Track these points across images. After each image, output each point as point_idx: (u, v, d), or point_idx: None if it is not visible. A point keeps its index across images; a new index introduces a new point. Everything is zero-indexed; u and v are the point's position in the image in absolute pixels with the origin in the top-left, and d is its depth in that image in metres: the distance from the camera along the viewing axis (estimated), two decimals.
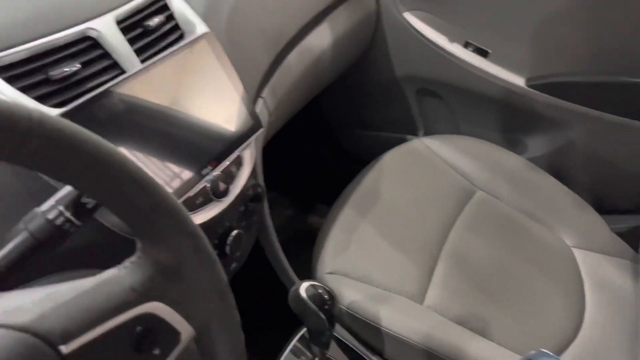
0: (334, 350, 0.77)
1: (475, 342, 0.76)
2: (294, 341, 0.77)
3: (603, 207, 1.07)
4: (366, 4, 1.11)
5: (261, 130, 0.70)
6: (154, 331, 0.33)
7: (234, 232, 0.67)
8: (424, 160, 1.08)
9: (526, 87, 1.07)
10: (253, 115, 0.70)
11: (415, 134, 1.28)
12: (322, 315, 0.64)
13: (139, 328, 0.32)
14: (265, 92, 0.81)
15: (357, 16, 1.08)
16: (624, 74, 0.99)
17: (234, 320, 0.39)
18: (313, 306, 0.64)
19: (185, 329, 0.35)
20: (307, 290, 0.65)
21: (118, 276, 0.33)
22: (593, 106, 1.04)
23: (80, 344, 0.29)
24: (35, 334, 0.27)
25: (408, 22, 1.13)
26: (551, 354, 0.69)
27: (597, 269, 0.97)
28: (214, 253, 0.37)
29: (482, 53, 1.10)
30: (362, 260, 0.87)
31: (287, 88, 0.88)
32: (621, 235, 1.03)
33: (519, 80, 1.08)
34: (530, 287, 0.90)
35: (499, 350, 0.77)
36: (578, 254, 0.98)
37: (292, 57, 0.91)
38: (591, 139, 1.07)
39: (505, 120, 1.15)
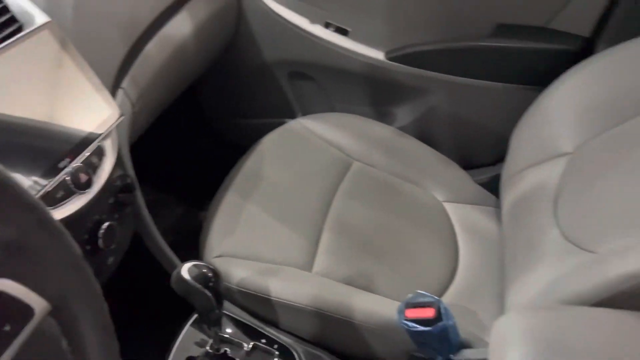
0: (230, 328, 0.78)
1: (361, 297, 0.81)
2: (187, 326, 0.76)
3: (467, 163, 1.18)
4: None
5: (121, 118, 0.69)
6: (2, 308, 0.32)
7: (105, 225, 0.65)
8: (301, 139, 1.11)
9: (386, 60, 1.14)
10: (110, 104, 0.68)
11: (293, 117, 1.31)
12: (208, 293, 0.65)
13: None
14: (125, 83, 0.80)
15: (217, 4, 1.08)
16: (471, 39, 1.09)
17: (93, 291, 0.39)
18: (197, 285, 0.64)
19: (38, 304, 0.34)
20: (189, 270, 0.65)
21: None
22: (448, 72, 1.13)
23: None
24: None
25: (269, 7, 1.16)
26: (426, 293, 0.75)
27: (466, 217, 1.06)
28: (60, 225, 0.36)
29: (343, 32, 1.16)
30: (248, 240, 0.88)
31: (150, 78, 0.87)
32: (484, 185, 1.14)
33: (379, 55, 1.15)
34: (408, 241, 0.97)
35: (383, 300, 0.82)
36: (448, 207, 1.07)
37: (152, 47, 0.90)
38: (449, 102, 1.16)
39: (372, 94, 1.22)
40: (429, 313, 0.72)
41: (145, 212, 0.83)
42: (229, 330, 0.77)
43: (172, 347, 0.75)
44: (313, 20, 1.16)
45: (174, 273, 0.65)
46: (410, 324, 0.71)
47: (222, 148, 1.30)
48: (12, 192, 0.33)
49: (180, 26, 0.97)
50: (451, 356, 0.78)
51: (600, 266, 0.62)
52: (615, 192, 0.78)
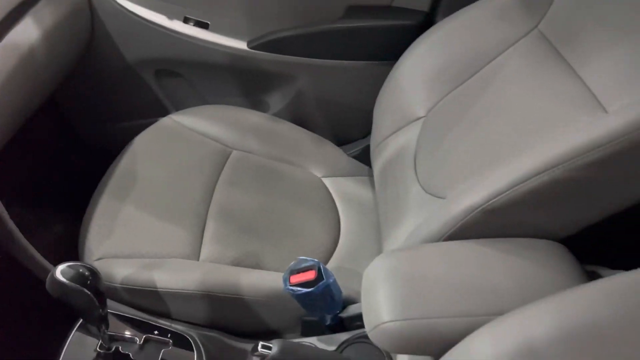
0: (118, 326, 0.77)
1: (249, 274, 0.84)
2: (73, 331, 0.75)
3: (339, 140, 1.25)
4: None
5: None
6: None
7: None
8: (175, 135, 1.12)
9: (249, 50, 1.17)
10: None
11: (166, 115, 1.30)
12: (87, 292, 0.64)
13: None
14: None
15: (65, 8, 1.05)
16: (325, 22, 1.16)
17: None
18: (75, 285, 0.63)
19: None
20: (63, 272, 0.64)
21: None
22: (308, 55, 1.18)
23: None
24: None
25: (123, 7, 1.14)
26: (307, 258, 0.80)
27: (344, 189, 1.13)
28: None
29: (203, 25, 1.17)
30: (128, 239, 0.87)
31: None
32: (357, 157, 1.22)
33: (242, 45, 1.18)
34: (291, 218, 1.01)
35: (270, 274, 0.86)
36: (327, 181, 1.13)
37: None
38: (314, 85, 1.22)
39: (241, 84, 1.25)
40: (310, 275, 0.77)
41: (4, 215, 0.78)
42: (118, 329, 0.77)
43: (60, 355, 0.73)
44: (171, 17, 1.16)
45: (48, 277, 0.64)
46: (295, 288, 0.76)
47: (93, 156, 1.26)
48: None
49: (26, 34, 0.93)
50: (339, 314, 0.84)
51: (446, 206, 0.71)
52: (459, 144, 0.88)
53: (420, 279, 0.60)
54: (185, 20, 1.17)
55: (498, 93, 0.90)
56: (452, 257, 0.64)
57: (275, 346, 0.61)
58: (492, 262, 0.62)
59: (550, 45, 0.88)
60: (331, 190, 1.12)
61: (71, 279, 0.64)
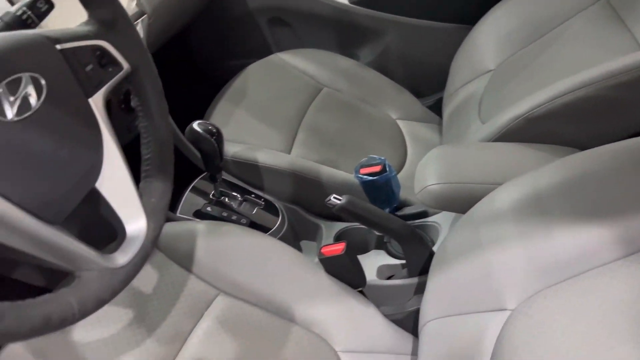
0: (227, 188, 1.00)
1: (328, 168, 1.04)
2: (194, 183, 0.98)
3: (417, 91, 1.42)
4: None
5: (144, 17, 0.90)
6: (107, 55, 0.54)
7: None
8: (280, 69, 1.34)
9: (350, 4, 1.38)
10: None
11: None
12: (212, 140, 0.87)
13: (97, 52, 0.53)
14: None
15: None
16: None
17: (154, 70, 0.61)
18: (205, 134, 0.86)
19: (125, 63, 0.56)
20: (199, 124, 0.87)
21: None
22: (400, 14, 1.37)
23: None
24: None
25: None
26: (376, 156, 0.99)
27: (415, 131, 1.30)
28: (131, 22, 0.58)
29: None
30: (238, 130, 1.10)
31: (161, 4, 1.08)
32: (430, 107, 1.39)
33: (344, 0, 1.39)
34: (365, 142, 1.20)
35: (344, 174, 1.05)
36: (400, 123, 1.31)
37: None
38: (401, 40, 1.41)
39: (339, 34, 1.46)
40: (376, 169, 0.95)
41: None
42: (225, 188, 0.99)
43: (180, 200, 0.97)
44: None
45: (188, 127, 0.87)
46: (362, 176, 0.95)
47: (209, 85, 1.51)
48: None
49: None
50: (395, 209, 1.02)
51: (493, 121, 0.87)
52: (518, 87, 1.03)
53: (460, 157, 0.78)
54: None
55: (559, 49, 1.04)
56: (490, 148, 0.80)
57: (344, 198, 0.81)
58: (522, 152, 0.78)
59: (615, 12, 1.01)
60: (403, 131, 1.30)
61: (204, 130, 0.87)
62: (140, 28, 0.90)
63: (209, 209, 0.97)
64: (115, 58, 0.55)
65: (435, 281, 0.73)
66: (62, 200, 0.48)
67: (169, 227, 0.82)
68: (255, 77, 1.30)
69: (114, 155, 0.54)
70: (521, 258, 0.63)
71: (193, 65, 1.64)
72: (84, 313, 0.46)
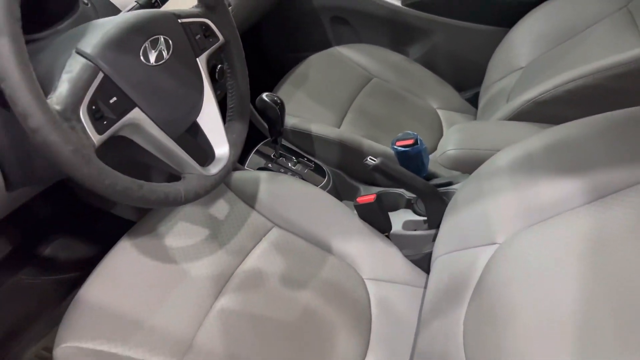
0: (284, 154, 1.22)
1: (369, 141, 1.23)
2: (258, 146, 1.21)
3: (458, 85, 1.59)
4: None
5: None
6: (209, 29, 0.76)
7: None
8: (336, 60, 1.55)
9: (402, 6, 1.57)
10: None
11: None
12: (276, 108, 1.08)
13: (203, 26, 0.75)
14: None
15: None
16: None
17: (240, 43, 0.83)
18: (271, 103, 1.08)
19: (220, 37, 0.78)
20: (266, 96, 1.09)
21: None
22: (448, 16, 1.55)
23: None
24: None
25: None
26: (410, 132, 1.17)
27: (452, 119, 1.47)
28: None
29: None
30: (299, 108, 1.32)
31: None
32: (469, 100, 1.55)
33: (397, 2, 1.58)
34: (406, 124, 1.39)
35: (382, 146, 1.24)
36: (440, 112, 1.48)
37: None
38: (447, 40, 1.58)
39: (391, 33, 1.65)
40: (410, 141, 1.13)
41: None
42: (285, 155, 1.21)
43: (247, 158, 1.20)
44: None
45: (258, 98, 1.09)
46: (397, 147, 1.13)
47: (275, 74, 1.74)
48: None
49: None
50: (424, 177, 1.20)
51: (510, 103, 1.04)
52: (541, 80, 1.18)
53: (475, 130, 0.95)
54: None
55: (581, 51, 1.19)
56: (502, 124, 0.97)
57: (378, 159, 1.00)
58: (526, 128, 0.95)
59: (632, 20, 1.15)
60: (441, 118, 1.47)
61: (270, 100, 1.08)
62: None
63: (269, 165, 1.19)
64: (215, 32, 0.78)
65: (445, 225, 0.91)
66: (178, 122, 0.70)
67: (238, 174, 1.04)
68: (315, 65, 1.51)
69: (210, 100, 0.76)
70: (511, 203, 0.80)
71: (262, 56, 1.87)
72: (187, 199, 0.68)
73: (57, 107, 0.55)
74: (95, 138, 0.58)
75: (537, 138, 0.82)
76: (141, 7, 0.79)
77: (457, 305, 0.77)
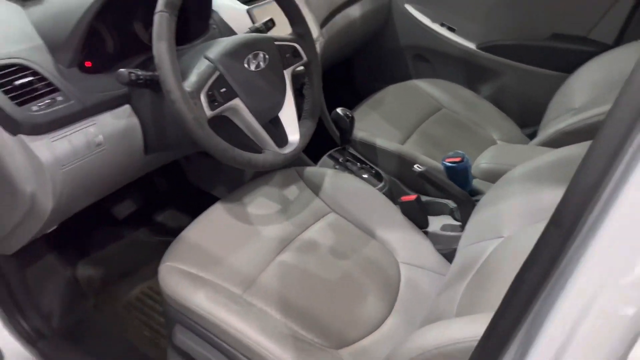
0: (350, 160, 1.47)
1: (424, 157, 1.45)
2: (330, 151, 1.47)
3: (521, 121, 1.76)
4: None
5: (321, 39, 1.42)
6: (297, 51, 1.05)
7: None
8: (411, 90, 1.79)
9: (477, 49, 1.78)
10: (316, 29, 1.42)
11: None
12: (347, 120, 1.34)
13: (292, 49, 1.04)
14: (323, 30, 1.55)
15: (376, 4, 1.82)
16: (533, 40, 1.69)
17: (319, 65, 1.11)
18: (343, 116, 1.35)
19: (305, 57, 1.07)
20: (341, 110, 1.36)
21: None
22: (517, 60, 1.73)
23: None
24: None
25: (407, 11, 1.87)
26: (459, 151, 1.37)
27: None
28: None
29: (451, 29, 1.82)
30: (369, 125, 1.57)
31: (333, 34, 1.61)
32: (529, 136, 1.71)
33: (472, 46, 1.79)
34: (464, 148, 1.58)
35: (435, 162, 1.45)
36: (499, 143, 1.66)
37: (337, 18, 1.65)
38: (515, 81, 1.76)
39: (466, 72, 1.86)
40: (457, 159, 1.34)
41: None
42: (352, 163, 1.47)
43: (319, 160, 1.46)
44: (433, 21, 1.84)
45: (333, 111, 1.36)
46: (446, 163, 1.34)
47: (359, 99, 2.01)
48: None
49: (353, 12, 1.72)
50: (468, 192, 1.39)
51: (544, 131, 1.21)
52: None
53: (507, 150, 1.14)
54: (441, 24, 1.83)
55: None
56: (532, 148, 1.15)
57: (424, 167, 1.21)
58: (548, 151, 1.12)
59: None
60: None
61: (343, 114, 1.35)
62: (317, 45, 1.43)
63: (336, 167, 1.45)
64: (301, 53, 1.06)
65: (469, 223, 1.10)
66: (265, 113, 0.98)
67: (310, 169, 1.31)
68: (392, 93, 1.76)
69: (290, 101, 1.04)
70: (519, 205, 0.98)
71: (352, 84, 2.16)
72: (263, 167, 0.96)
73: (188, 89, 0.86)
74: (208, 112, 0.88)
75: (546, 156, 1.00)
76: (252, 32, 1.09)
77: (461, 282, 0.96)
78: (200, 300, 0.95)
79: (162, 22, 0.81)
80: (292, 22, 1.07)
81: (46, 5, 0.98)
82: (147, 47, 0.94)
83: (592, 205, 0.40)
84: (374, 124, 1.59)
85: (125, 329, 1.35)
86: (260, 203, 1.20)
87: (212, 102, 0.89)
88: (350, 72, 2.14)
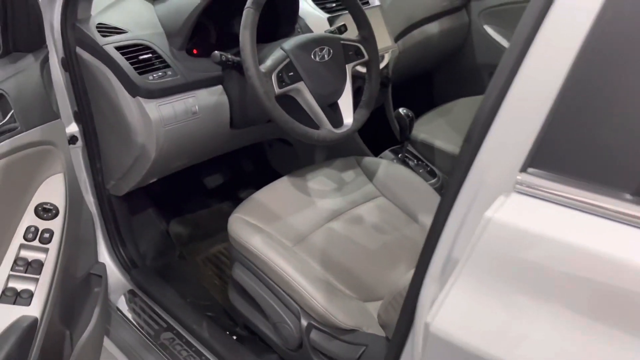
0: (408, 156, 1.63)
1: None
2: (390, 148, 1.64)
3: None
4: (462, 17, 2.01)
5: (394, 49, 1.61)
6: (359, 50, 1.25)
7: None
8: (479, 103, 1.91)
9: None
10: (391, 41, 1.61)
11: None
12: (407, 119, 1.51)
13: (357, 47, 1.25)
14: (399, 43, 1.73)
15: (455, 23, 1.98)
16: None
17: (378, 62, 1.30)
18: (403, 115, 1.52)
19: (366, 56, 1.27)
20: (401, 109, 1.53)
21: None
22: None
23: None
24: None
25: (486, 31, 2.00)
26: None
27: None
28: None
29: None
30: (433, 129, 1.72)
31: (409, 47, 1.79)
32: None
33: None
34: None
35: None
36: None
37: (415, 33, 1.83)
38: None
39: None
40: None
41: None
42: (411, 160, 1.63)
43: (380, 154, 1.64)
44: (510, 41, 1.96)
45: (396, 111, 1.54)
46: None
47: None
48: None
49: (432, 29, 1.90)
50: None
51: None
52: None
53: None
54: None
55: None
56: None
57: None
58: None
59: None
60: None
61: (404, 113, 1.52)
62: (387, 55, 1.62)
63: (395, 160, 1.62)
64: (363, 52, 1.26)
65: None
66: (325, 97, 1.20)
67: (368, 159, 1.49)
68: (460, 104, 1.90)
69: (348, 91, 1.24)
70: None
71: (431, 96, 2.32)
72: (317, 141, 1.17)
73: (263, 70, 1.09)
74: (277, 90, 1.11)
75: None
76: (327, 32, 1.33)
77: None
78: (256, 242, 1.17)
79: (247, 16, 1.06)
80: (359, 27, 1.28)
81: (169, 3, 1.28)
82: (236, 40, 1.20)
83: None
84: (437, 127, 1.73)
85: (202, 277, 1.61)
86: (320, 181, 1.41)
87: (281, 82, 1.12)
88: (429, 85, 2.30)
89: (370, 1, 1.64)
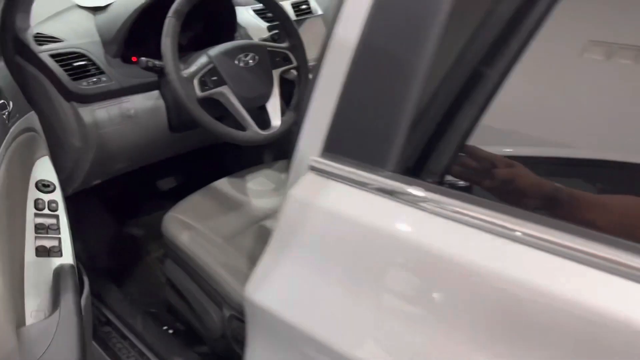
0: None
1: None
2: None
3: None
4: None
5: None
6: (287, 57, 1.32)
7: None
8: None
9: None
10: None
11: None
12: None
13: (283, 54, 1.32)
14: None
15: None
16: None
17: (307, 68, 1.37)
18: None
19: (295, 62, 1.34)
20: None
21: None
22: None
23: None
24: None
25: None
26: None
27: None
28: None
29: None
30: None
31: None
32: None
33: None
34: None
35: None
36: None
37: None
38: None
39: None
40: None
41: None
42: None
43: None
44: None
45: None
46: None
47: None
48: None
49: None
50: None
51: None
52: None
53: None
54: None
55: None
56: None
57: None
58: None
59: None
60: None
61: None
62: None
63: None
64: (291, 59, 1.33)
65: None
66: (251, 100, 1.27)
67: None
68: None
69: (276, 95, 1.31)
70: None
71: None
72: (242, 142, 1.23)
73: (185, 75, 1.16)
74: (199, 93, 1.17)
75: None
76: (260, 40, 1.40)
77: None
78: (185, 239, 1.23)
79: (169, 24, 1.13)
80: (287, 35, 1.35)
81: (107, 13, 1.35)
82: (180, 49, 1.27)
83: None
84: None
85: (151, 277, 1.67)
86: (258, 182, 1.47)
87: (204, 85, 1.18)
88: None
89: (313, 11, 1.71)
